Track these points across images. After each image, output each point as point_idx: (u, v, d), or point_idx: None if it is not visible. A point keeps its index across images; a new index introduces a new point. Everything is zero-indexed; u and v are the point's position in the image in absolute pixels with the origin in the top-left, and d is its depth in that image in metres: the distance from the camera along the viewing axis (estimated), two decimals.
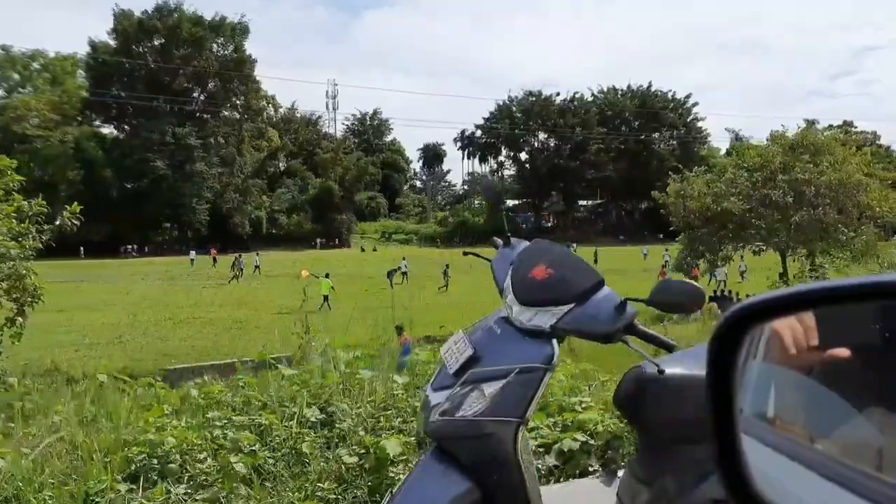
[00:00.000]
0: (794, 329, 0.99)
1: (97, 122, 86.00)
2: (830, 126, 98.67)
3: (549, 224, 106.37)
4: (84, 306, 37.52)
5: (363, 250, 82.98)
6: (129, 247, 78.50)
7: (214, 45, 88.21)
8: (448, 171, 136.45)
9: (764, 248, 34.79)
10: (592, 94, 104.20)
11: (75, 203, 11.50)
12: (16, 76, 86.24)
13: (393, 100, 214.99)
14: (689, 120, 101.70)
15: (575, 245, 75.57)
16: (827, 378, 0.98)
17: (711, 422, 1.04)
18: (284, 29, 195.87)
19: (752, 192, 33.37)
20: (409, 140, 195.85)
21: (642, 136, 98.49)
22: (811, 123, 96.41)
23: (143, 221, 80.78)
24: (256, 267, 53.93)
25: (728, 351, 1.04)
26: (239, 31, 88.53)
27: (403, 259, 44.72)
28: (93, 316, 34.13)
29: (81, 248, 69.63)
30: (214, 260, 61.56)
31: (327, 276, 34.90)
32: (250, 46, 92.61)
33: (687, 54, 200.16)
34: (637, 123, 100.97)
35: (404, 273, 42.17)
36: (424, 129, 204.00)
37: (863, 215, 32.04)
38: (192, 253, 62.08)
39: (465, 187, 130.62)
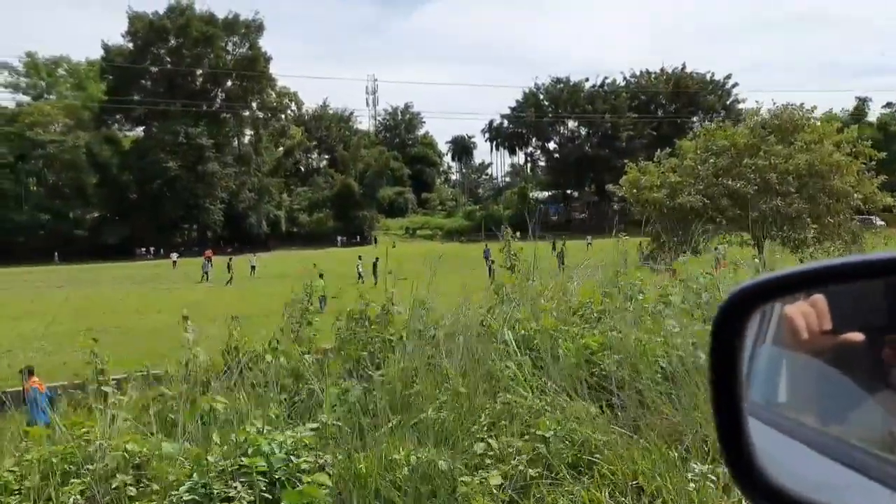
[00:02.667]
0: (807, 313, 0.98)
1: (115, 126, 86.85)
2: (890, 104, 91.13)
3: (583, 215, 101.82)
4: (24, 313, 36.73)
5: (376, 243, 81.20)
6: (144, 249, 78.85)
7: (230, 44, 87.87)
8: (489, 164, 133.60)
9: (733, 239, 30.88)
10: (624, 79, 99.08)
11: None
12: (42, 83, 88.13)
13: (427, 93, 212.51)
14: (728, 102, 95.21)
15: (590, 238, 71.54)
16: (839, 362, 0.96)
17: (714, 404, 1.05)
18: (318, 25, 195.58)
19: (715, 180, 29.51)
20: (445, 134, 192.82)
21: (678, 121, 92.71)
22: (863, 101, 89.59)
23: (162, 223, 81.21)
24: (252, 268, 52.55)
25: (731, 332, 1.04)
26: (253, 29, 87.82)
27: (360, 258, 41.96)
28: (15, 325, 33.07)
29: (56, 254, 70.21)
30: (210, 260, 60.71)
31: (321, 276, 32.66)
32: (283, 43, 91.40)
33: (740, 29, 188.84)
34: (672, 107, 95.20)
35: (360, 275, 39.65)
36: (460, 122, 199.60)
37: (838, 202, 27.63)
38: (174, 255, 61.33)
39: (507, 179, 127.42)
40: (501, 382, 4.87)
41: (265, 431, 3.50)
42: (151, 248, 79.75)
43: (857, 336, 0.92)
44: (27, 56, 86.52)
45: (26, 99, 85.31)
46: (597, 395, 4.74)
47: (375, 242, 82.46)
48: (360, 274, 39.78)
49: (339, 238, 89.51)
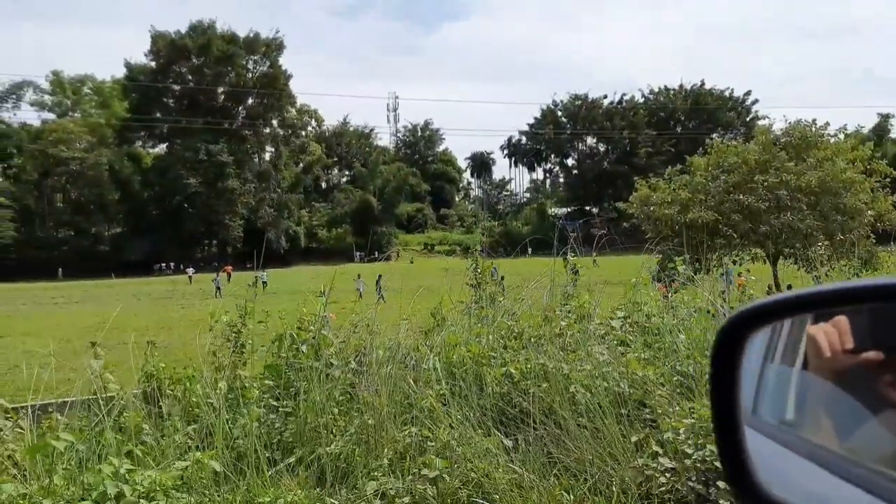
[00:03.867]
0: (828, 332, 1.00)
1: (138, 143, 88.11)
2: None
3: (601, 232, 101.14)
4: (36, 330, 37.05)
5: (390, 259, 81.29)
6: (163, 265, 79.46)
7: (251, 63, 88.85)
8: (509, 181, 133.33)
9: (746, 257, 30.33)
10: (643, 96, 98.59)
11: None
12: (67, 101, 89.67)
13: (446, 110, 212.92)
14: (748, 119, 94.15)
15: (595, 255, 70.96)
16: (847, 381, 0.99)
17: (714, 419, 1.11)
18: (340, 44, 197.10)
19: (726, 196, 29.09)
20: (464, 150, 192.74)
21: (696, 138, 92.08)
22: (885, 118, 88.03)
23: (183, 239, 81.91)
24: (263, 283, 52.52)
25: (731, 351, 1.09)
26: (274, 48, 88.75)
27: (359, 276, 41.33)
28: (26, 341, 33.28)
29: (59, 270, 70.95)
30: (229, 276, 61.17)
31: (322, 293, 32.42)
32: (305, 60, 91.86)
33: (769, 41, 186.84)
34: (691, 124, 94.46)
35: (359, 290, 39.17)
36: (480, 138, 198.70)
37: (851, 220, 27.03)
38: (191, 270, 61.72)
39: (527, 195, 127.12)
40: (420, 413, 4.62)
41: (124, 471, 3.26)
42: (171, 264, 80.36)
43: (878, 355, 0.93)
44: (53, 74, 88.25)
45: (51, 116, 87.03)
46: (516, 427, 4.46)
47: (391, 258, 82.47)
48: (358, 291, 39.32)
49: (357, 254, 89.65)
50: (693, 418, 3.80)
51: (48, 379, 5.90)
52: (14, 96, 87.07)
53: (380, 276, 41.38)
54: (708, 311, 5.50)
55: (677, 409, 4.07)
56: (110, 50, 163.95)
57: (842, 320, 0.98)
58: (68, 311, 45.62)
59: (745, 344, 1.08)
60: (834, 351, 0.98)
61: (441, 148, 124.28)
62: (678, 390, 4.33)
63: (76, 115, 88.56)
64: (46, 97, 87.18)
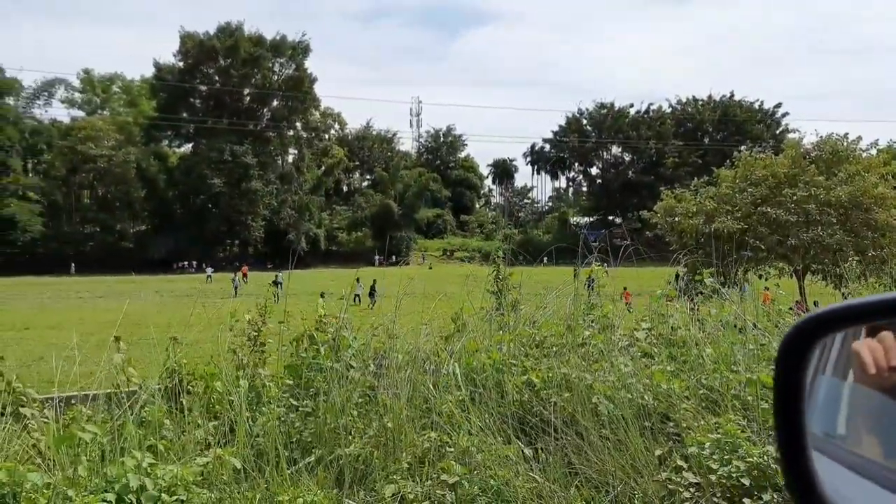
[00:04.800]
0: (874, 348, 0.99)
1: (165, 142, 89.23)
2: None
3: (625, 242, 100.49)
4: (60, 323, 37.49)
5: (402, 265, 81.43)
6: (184, 263, 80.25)
7: (277, 65, 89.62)
8: (531, 188, 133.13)
9: (772, 271, 29.98)
10: (670, 106, 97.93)
11: None
12: (96, 99, 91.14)
13: (470, 116, 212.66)
14: (778, 132, 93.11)
15: (606, 265, 70.36)
16: (894, 397, 0.97)
17: (778, 432, 1.08)
18: (365, 49, 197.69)
19: (753, 209, 28.80)
20: (486, 156, 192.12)
21: (724, 149, 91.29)
22: None
23: (205, 238, 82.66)
24: (279, 284, 52.82)
25: (797, 361, 1.06)
26: (300, 50, 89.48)
27: (358, 280, 41.02)
28: (51, 334, 33.72)
29: (72, 265, 71.70)
30: (245, 276, 61.61)
31: (322, 295, 32.56)
32: (330, 65, 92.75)
33: (797, 59, 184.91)
34: (719, 136, 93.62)
35: (357, 296, 39.02)
36: (502, 145, 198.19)
37: (883, 237, 26.63)
38: (210, 270, 62.14)
39: (550, 203, 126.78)
40: (439, 418, 4.59)
41: (146, 465, 3.27)
42: (194, 263, 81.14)
43: None
44: (84, 73, 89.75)
45: (81, 114, 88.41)
46: (536, 435, 4.42)
47: (410, 263, 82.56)
48: (357, 296, 39.17)
49: (376, 258, 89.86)
50: (718, 433, 3.73)
51: (72, 371, 5.98)
52: (46, 93, 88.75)
53: (374, 280, 41.03)
54: (735, 325, 5.42)
55: (702, 423, 4.00)
56: (109, 50, 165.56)
57: (888, 336, 0.95)
58: (93, 305, 46.17)
59: (813, 351, 1.05)
60: (879, 367, 0.96)
61: (463, 154, 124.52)
62: (703, 404, 4.26)
63: (105, 113, 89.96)
64: (77, 95, 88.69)
